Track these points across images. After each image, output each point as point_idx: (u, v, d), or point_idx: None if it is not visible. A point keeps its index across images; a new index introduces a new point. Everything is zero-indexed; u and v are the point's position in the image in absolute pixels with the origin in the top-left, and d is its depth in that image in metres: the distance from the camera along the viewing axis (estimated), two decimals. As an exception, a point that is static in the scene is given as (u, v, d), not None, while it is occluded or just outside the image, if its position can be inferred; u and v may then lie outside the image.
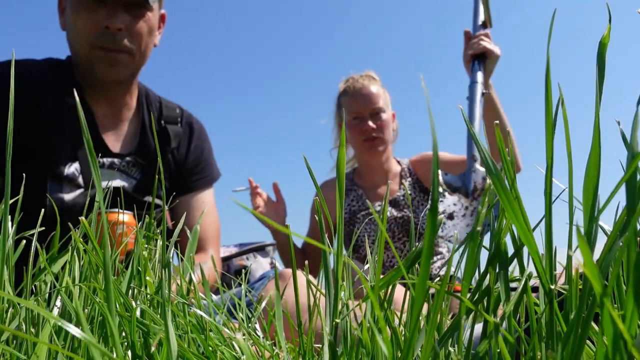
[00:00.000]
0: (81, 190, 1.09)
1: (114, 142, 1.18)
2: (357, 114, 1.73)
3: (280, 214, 1.66)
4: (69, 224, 0.50)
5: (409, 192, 1.78)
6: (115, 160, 1.16)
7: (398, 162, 1.87)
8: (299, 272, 0.83)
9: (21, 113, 1.07)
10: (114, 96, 1.19)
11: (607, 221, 0.37)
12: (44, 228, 0.49)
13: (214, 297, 0.89)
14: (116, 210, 0.91)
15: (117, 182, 1.15)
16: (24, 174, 0.99)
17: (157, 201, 1.20)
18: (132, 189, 1.18)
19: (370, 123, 1.71)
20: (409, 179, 1.81)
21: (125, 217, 0.97)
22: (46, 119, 1.08)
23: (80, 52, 1.11)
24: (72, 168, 1.09)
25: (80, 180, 1.09)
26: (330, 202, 1.79)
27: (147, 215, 1.04)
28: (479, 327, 0.53)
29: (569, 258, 0.33)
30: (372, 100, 1.72)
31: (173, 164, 1.25)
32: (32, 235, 0.49)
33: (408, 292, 0.44)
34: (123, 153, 1.17)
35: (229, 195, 1.71)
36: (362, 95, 1.74)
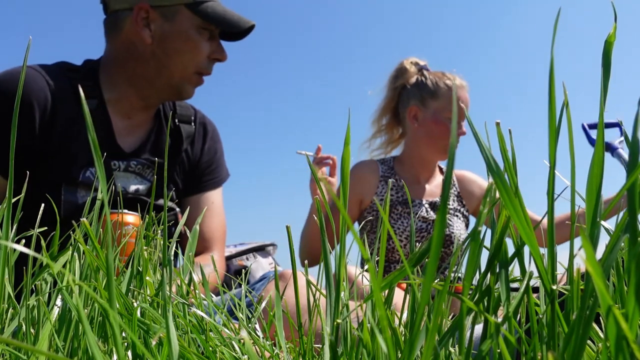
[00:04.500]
0: (96, 194, 1.09)
1: (130, 144, 1.19)
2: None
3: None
4: (73, 223, 0.50)
5: (452, 202, 1.74)
6: (131, 162, 1.17)
7: (440, 168, 1.83)
8: (299, 273, 0.83)
9: (39, 118, 1.07)
10: (135, 106, 1.20)
11: (608, 222, 0.37)
12: (45, 228, 0.49)
13: (214, 297, 0.89)
14: (119, 210, 0.91)
15: (134, 186, 1.16)
16: (38, 181, 1.01)
17: (170, 203, 1.21)
18: (147, 191, 1.19)
19: (464, 129, 1.69)
20: (453, 189, 1.77)
21: (130, 217, 0.96)
22: (64, 124, 1.09)
23: (177, 73, 1.16)
24: (89, 172, 1.10)
25: (96, 184, 1.10)
26: (365, 183, 1.70)
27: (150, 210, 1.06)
28: (478, 328, 0.53)
29: (571, 258, 0.33)
30: (467, 108, 1.70)
31: (187, 164, 1.26)
32: (35, 232, 0.49)
33: (408, 293, 0.44)
34: (138, 155, 1.18)
35: (293, 155, 1.67)
36: (466, 98, 1.70)
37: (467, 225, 1.77)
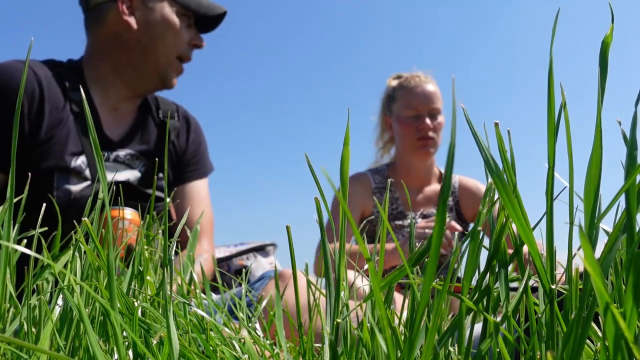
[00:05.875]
0: (88, 182, 1.14)
1: (117, 136, 1.23)
2: (415, 111, 1.64)
3: None
4: (74, 221, 0.51)
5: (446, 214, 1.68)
6: (120, 153, 1.22)
7: (442, 173, 1.77)
8: (299, 272, 0.83)
9: (27, 106, 1.11)
10: (122, 96, 1.26)
11: (607, 221, 0.38)
12: (46, 228, 0.49)
13: (214, 296, 0.89)
14: (119, 207, 0.93)
15: (124, 175, 1.21)
16: (30, 169, 1.04)
17: (159, 193, 1.27)
18: (137, 181, 1.23)
19: (428, 121, 1.64)
20: (450, 199, 1.71)
21: (128, 214, 0.98)
22: (52, 113, 1.13)
23: (162, 58, 1.24)
24: (79, 161, 1.14)
25: (87, 173, 1.14)
26: (357, 196, 1.67)
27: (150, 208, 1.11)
28: (478, 327, 0.53)
29: (570, 257, 0.34)
30: (432, 99, 1.65)
31: (174, 155, 1.33)
32: (37, 232, 0.49)
33: (407, 292, 0.44)
34: (125, 145, 1.24)
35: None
36: (423, 92, 1.65)
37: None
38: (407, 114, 1.66)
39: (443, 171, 1.78)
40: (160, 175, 1.26)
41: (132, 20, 1.21)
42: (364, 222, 0.96)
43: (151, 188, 1.23)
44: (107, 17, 1.21)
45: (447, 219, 1.66)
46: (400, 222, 1.64)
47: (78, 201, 1.10)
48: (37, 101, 1.11)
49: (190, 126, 1.37)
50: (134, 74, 1.24)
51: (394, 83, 1.73)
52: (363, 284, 0.70)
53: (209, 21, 1.30)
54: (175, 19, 1.23)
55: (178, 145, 1.33)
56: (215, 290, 1.15)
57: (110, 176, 1.15)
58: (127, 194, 1.15)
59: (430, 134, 1.65)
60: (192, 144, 1.36)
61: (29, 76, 1.11)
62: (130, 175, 1.22)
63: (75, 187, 1.12)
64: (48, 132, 1.11)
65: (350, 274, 0.95)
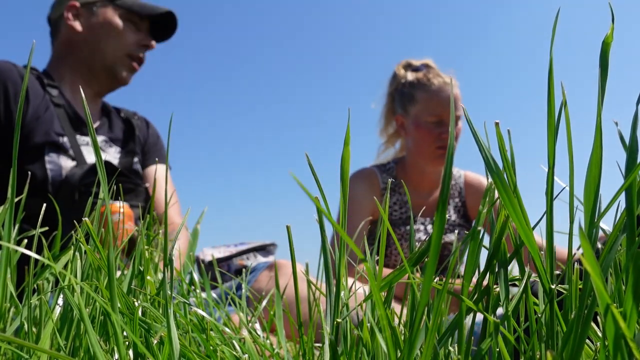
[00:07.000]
0: (74, 162, 1.25)
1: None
2: (438, 118, 1.53)
3: None
4: (72, 216, 0.51)
5: (451, 215, 1.61)
6: (98, 139, 1.37)
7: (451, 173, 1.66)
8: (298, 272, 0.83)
9: (12, 93, 1.24)
10: (84, 92, 1.42)
11: (606, 221, 0.38)
12: (47, 228, 0.49)
13: (213, 294, 0.90)
14: (117, 203, 1.00)
15: (106, 157, 1.35)
16: (21, 146, 1.11)
17: (139, 181, 1.41)
18: (119, 165, 1.36)
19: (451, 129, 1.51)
20: (457, 199, 1.64)
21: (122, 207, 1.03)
22: (35, 99, 1.27)
23: (110, 56, 1.39)
24: (63, 140, 1.27)
25: (71, 152, 1.26)
26: (366, 196, 1.57)
27: (131, 187, 1.21)
28: (479, 316, 0.53)
29: (570, 257, 0.34)
30: (457, 105, 1.49)
31: (140, 144, 1.51)
32: (37, 232, 0.49)
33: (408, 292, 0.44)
34: (98, 133, 1.39)
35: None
36: (448, 97, 1.52)
37: None
38: (428, 119, 1.55)
39: (453, 171, 1.71)
40: (136, 159, 1.43)
41: (76, 24, 1.39)
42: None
43: (130, 172, 1.36)
44: (61, 26, 1.41)
45: (453, 221, 1.62)
46: (408, 229, 1.58)
47: (68, 180, 1.19)
48: (21, 89, 1.22)
49: (148, 124, 1.58)
50: (87, 72, 1.41)
51: (410, 77, 1.61)
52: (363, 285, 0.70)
53: (160, 26, 1.48)
54: (117, 21, 1.40)
55: (141, 136, 1.52)
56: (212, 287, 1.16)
57: (90, 158, 1.28)
58: (111, 175, 1.24)
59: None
60: (151, 137, 1.56)
61: (12, 70, 1.26)
62: (111, 158, 1.36)
63: (65, 164, 1.23)
64: (34, 114, 1.24)
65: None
